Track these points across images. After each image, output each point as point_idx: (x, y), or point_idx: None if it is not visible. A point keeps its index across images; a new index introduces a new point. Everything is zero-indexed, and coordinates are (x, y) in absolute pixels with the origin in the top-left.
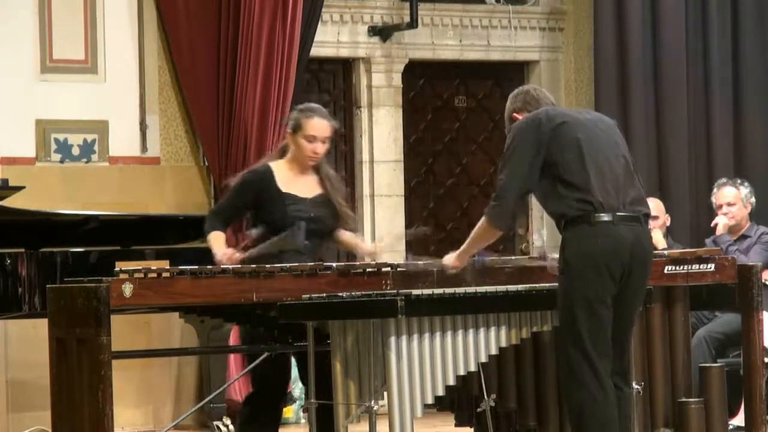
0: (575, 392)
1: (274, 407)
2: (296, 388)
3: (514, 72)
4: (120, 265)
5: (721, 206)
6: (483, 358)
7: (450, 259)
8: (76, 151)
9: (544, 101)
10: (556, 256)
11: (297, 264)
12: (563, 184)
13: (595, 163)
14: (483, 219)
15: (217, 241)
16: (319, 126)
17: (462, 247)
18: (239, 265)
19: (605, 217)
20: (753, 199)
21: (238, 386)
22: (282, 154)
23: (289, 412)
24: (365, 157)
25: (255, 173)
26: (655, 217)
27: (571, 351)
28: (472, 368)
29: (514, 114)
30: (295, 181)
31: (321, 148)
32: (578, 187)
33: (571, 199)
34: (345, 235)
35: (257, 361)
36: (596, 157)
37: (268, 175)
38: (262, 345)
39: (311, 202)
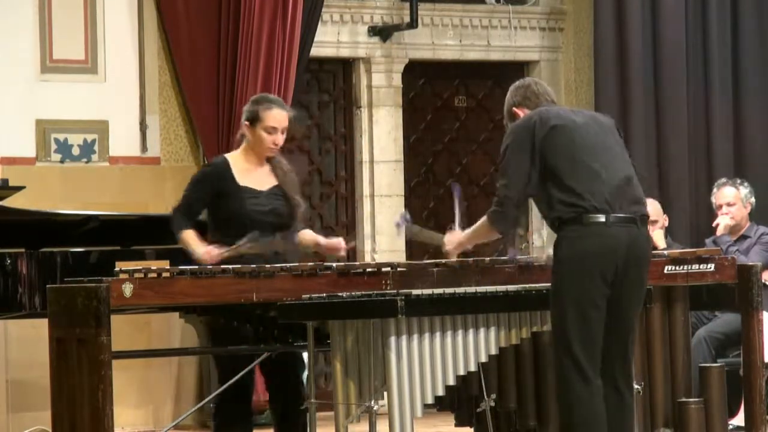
0: (563, 392)
1: (239, 408)
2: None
3: (514, 72)
4: (120, 265)
5: (720, 206)
6: (483, 358)
7: (450, 242)
8: (76, 151)
9: (543, 97)
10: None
11: (297, 264)
12: (557, 187)
13: (589, 165)
14: (486, 219)
15: (191, 239)
16: (279, 117)
17: (462, 237)
18: (239, 265)
19: (599, 218)
20: (753, 200)
21: None
22: (238, 145)
23: None
24: (365, 157)
25: (212, 166)
26: (654, 221)
27: (559, 351)
28: (472, 368)
29: (514, 108)
30: (251, 174)
31: (280, 139)
32: (572, 190)
33: (565, 203)
34: (305, 234)
35: (258, 360)
36: (590, 160)
37: (225, 168)
38: (261, 345)
39: (267, 195)
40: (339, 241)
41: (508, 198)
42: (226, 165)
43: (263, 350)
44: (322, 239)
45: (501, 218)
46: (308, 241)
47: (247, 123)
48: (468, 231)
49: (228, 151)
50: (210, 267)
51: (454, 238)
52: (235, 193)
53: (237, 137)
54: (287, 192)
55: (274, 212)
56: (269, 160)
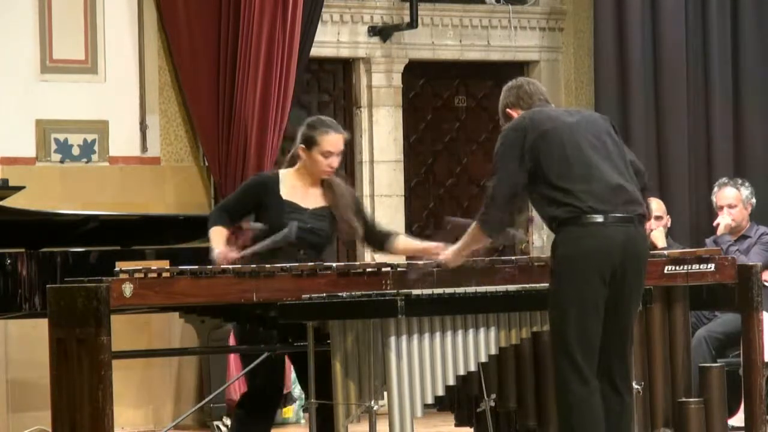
0: (562, 393)
1: (267, 408)
2: (296, 388)
3: (514, 72)
4: (120, 265)
5: (722, 207)
6: (483, 358)
7: (446, 255)
8: (76, 151)
9: (537, 97)
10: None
11: (297, 264)
12: (553, 189)
13: (583, 165)
14: (475, 224)
15: (217, 236)
16: (336, 141)
17: (457, 246)
18: (239, 265)
19: (597, 219)
20: (754, 200)
21: (237, 386)
22: (292, 162)
23: (289, 412)
24: (365, 157)
25: (262, 177)
26: (659, 217)
27: (558, 352)
28: (472, 368)
29: (507, 109)
30: (299, 191)
31: (336, 162)
32: (566, 191)
33: (561, 204)
34: (401, 242)
35: (258, 361)
36: (584, 160)
37: (274, 181)
38: (262, 345)
39: (312, 214)
40: (437, 245)
41: (495, 199)
42: (275, 178)
43: (263, 350)
44: (420, 244)
45: (487, 221)
46: (408, 248)
47: (303, 146)
48: (461, 240)
49: (227, 150)
50: (210, 267)
51: (449, 251)
52: (277, 206)
53: (288, 156)
54: (340, 214)
55: (313, 231)
56: (323, 182)
